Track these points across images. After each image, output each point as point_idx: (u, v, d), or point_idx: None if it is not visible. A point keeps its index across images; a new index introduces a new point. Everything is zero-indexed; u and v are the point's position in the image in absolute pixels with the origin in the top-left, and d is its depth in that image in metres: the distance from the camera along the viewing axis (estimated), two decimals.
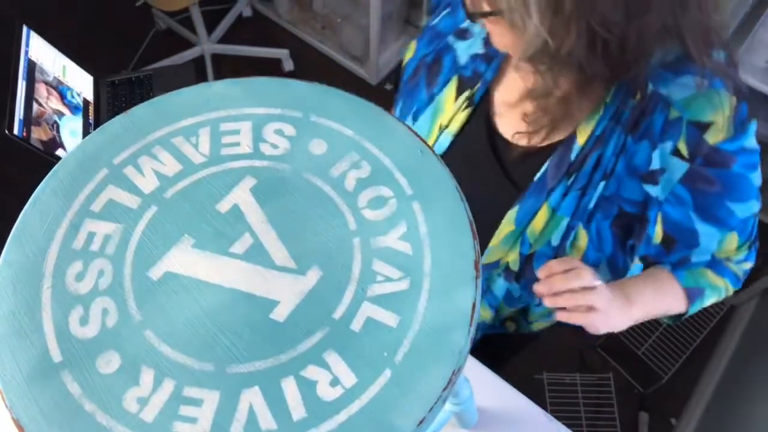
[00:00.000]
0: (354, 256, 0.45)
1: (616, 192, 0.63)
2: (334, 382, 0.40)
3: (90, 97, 1.50)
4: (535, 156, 0.66)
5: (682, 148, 0.60)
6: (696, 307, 0.72)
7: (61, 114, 1.34)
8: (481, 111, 0.69)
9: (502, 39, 0.59)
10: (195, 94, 0.55)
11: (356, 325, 0.42)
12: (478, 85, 0.68)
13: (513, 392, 0.90)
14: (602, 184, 0.62)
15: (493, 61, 0.68)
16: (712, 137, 0.59)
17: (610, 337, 1.72)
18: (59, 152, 1.27)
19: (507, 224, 0.67)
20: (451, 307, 0.42)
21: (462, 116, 0.69)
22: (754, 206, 0.65)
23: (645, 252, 0.68)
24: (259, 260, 0.45)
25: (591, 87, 0.61)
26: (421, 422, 0.38)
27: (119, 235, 0.47)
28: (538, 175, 0.65)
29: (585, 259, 0.67)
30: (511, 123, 0.68)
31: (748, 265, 0.74)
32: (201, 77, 2.09)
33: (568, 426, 0.87)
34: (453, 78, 0.71)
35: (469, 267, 0.44)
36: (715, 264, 0.71)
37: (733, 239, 0.67)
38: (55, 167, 0.50)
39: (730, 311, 1.80)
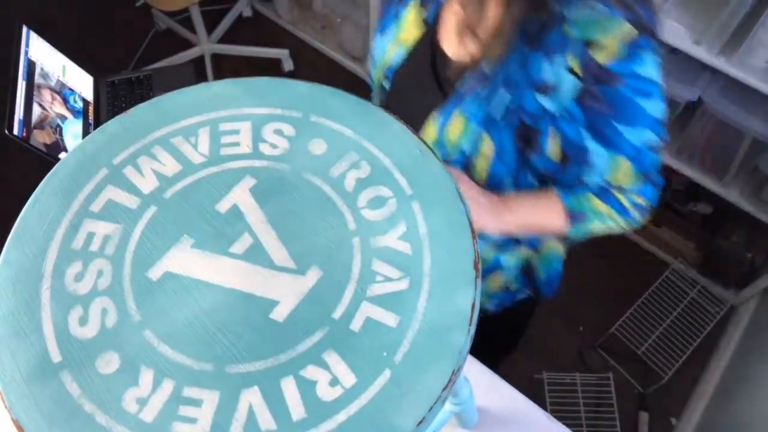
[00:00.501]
0: (353, 255, 0.45)
1: (518, 103, 0.68)
2: (334, 382, 0.40)
3: (90, 98, 1.50)
4: (462, 71, 0.72)
5: (575, 65, 0.65)
6: (579, 230, 0.77)
7: (64, 118, 1.34)
8: (431, 31, 0.75)
9: None
10: (194, 94, 0.55)
11: (356, 324, 0.42)
12: (431, 5, 0.75)
13: (513, 392, 0.90)
14: (507, 95, 0.68)
15: None
16: (602, 57, 0.64)
17: (611, 337, 1.72)
18: (62, 155, 1.27)
19: (431, 130, 0.74)
20: (451, 307, 0.42)
21: (415, 34, 0.76)
22: (648, 136, 0.68)
23: (541, 165, 0.72)
24: (259, 260, 0.45)
25: (510, 7, 0.66)
26: (420, 422, 0.38)
27: (119, 235, 0.47)
28: (459, 85, 0.72)
29: (491, 173, 0.73)
30: (451, 42, 0.74)
31: (642, 200, 0.75)
32: (201, 77, 2.09)
33: (568, 426, 0.87)
34: None
35: (468, 267, 0.44)
36: (603, 191, 0.75)
37: (624, 165, 0.71)
38: (55, 167, 0.50)
39: (730, 311, 1.80)
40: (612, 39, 0.63)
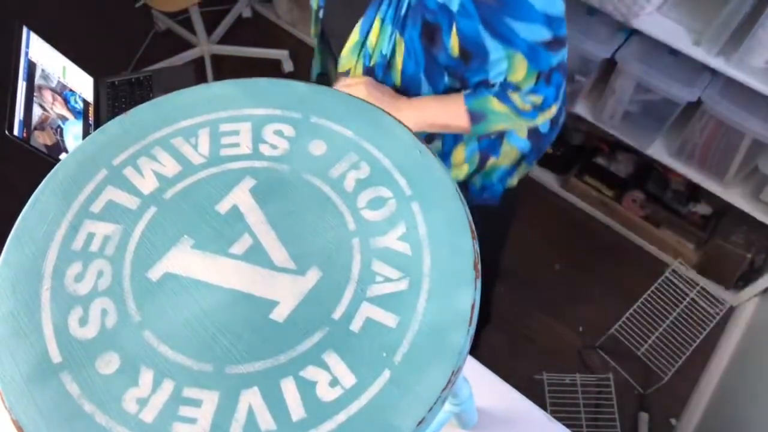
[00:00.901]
0: (353, 256, 0.45)
1: (418, 2, 0.72)
2: (334, 382, 0.40)
3: (90, 98, 1.50)
4: None
5: None
6: (481, 128, 0.84)
7: (65, 119, 1.34)
8: None
9: None
10: (194, 95, 0.55)
11: (355, 325, 0.42)
12: None
13: (513, 392, 0.90)
14: None
15: None
16: None
17: (611, 337, 1.72)
18: (63, 156, 1.27)
19: (354, 35, 0.80)
20: (450, 308, 0.42)
21: None
22: (541, 33, 0.72)
23: (446, 63, 0.76)
24: (259, 261, 0.45)
25: None
26: (420, 422, 0.38)
27: (118, 235, 0.47)
28: None
29: (404, 71, 0.78)
30: None
31: (538, 99, 0.80)
32: (201, 78, 2.09)
33: (568, 426, 0.87)
34: None
35: (468, 267, 0.44)
36: (501, 94, 0.80)
37: (521, 63, 0.74)
38: (55, 168, 0.50)
39: (729, 312, 1.80)
40: None
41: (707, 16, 1.38)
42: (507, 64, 0.75)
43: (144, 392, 0.40)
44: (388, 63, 0.79)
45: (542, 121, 0.85)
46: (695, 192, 1.84)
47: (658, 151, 1.69)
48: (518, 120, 0.82)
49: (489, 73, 0.77)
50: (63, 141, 1.30)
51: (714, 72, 1.44)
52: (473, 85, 0.81)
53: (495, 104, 0.81)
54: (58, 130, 1.31)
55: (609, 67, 1.62)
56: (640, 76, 1.53)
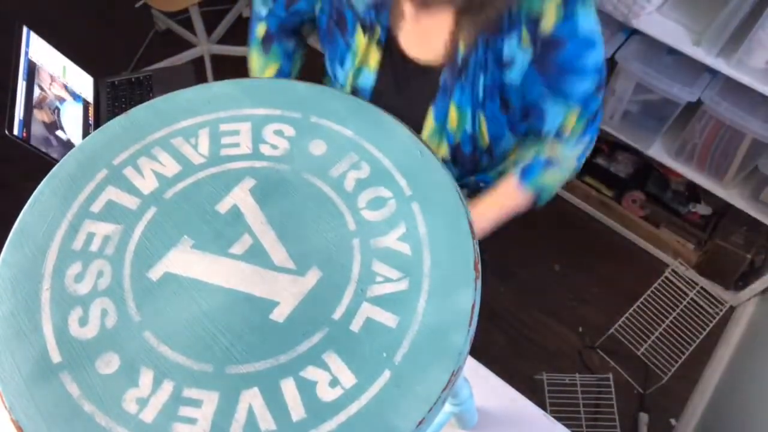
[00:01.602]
0: (353, 256, 0.45)
1: (492, 81, 0.79)
2: (334, 382, 0.40)
3: (90, 98, 1.50)
4: (435, 68, 0.83)
5: (525, 37, 0.74)
6: (545, 199, 0.90)
7: (62, 99, 1.35)
8: (390, 45, 0.85)
9: None
10: (194, 95, 0.55)
11: (355, 325, 0.42)
12: (378, 28, 0.83)
13: (513, 393, 0.90)
14: (482, 77, 0.79)
15: (382, 8, 0.82)
16: (545, 25, 0.72)
17: (610, 337, 1.72)
18: (59, 133, 1.28)
19: (429, 123, 0.85)
20: (451, 308, 0.42)
21: (376, 54, 0.85)
22: (595, 80, 0.78)
23: (516, 121, 0.85)
24: (259, 261, 0.45)
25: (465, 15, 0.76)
26: (420, 423, 0.38)
27: (118, 235, 0.47)
28: (441, 82, 0.82)
29: (491, 134, 0.85)
30: (419, 49, 0.84)
31: (584, 142, 0.86)
32: (200, 78, 2.09)
33: (568, 426, 0.87)
34: (357, 26, 0.84)
35: (468, 268, 0.44)
36: (549, 163, 0.87)
37: (574, 113, 0.81)
38: (55, 168, 0.50)
39: (729, 312, 1.80)
40: (549, 5, 0.72)
41: (707, 17, 1.38)
42: (562, 115, 0.81)
43: (144, 392, 0.40)
44: (472, 136, 0.85)
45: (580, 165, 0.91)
46: (695, 192, 1.84)
47: (658, 151, 1.69)
48: (571, 173, 0.89)
49: (544, 124, 0.82)
50: (60, 120, 1.31)
51: (714, 72, 1.44)
52: (532, 131, 0.86)
53: (548, 177, 0.87)
54: (56, 111, 1.32)
55: (609, 67, 1.62)
56: (640, 76, 1.53)
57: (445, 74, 0.81)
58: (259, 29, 0.95)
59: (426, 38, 0.81)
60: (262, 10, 0.94)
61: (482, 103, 0.81)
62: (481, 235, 0.86)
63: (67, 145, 1.30)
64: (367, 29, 0.84)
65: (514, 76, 0.78)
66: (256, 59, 0.98)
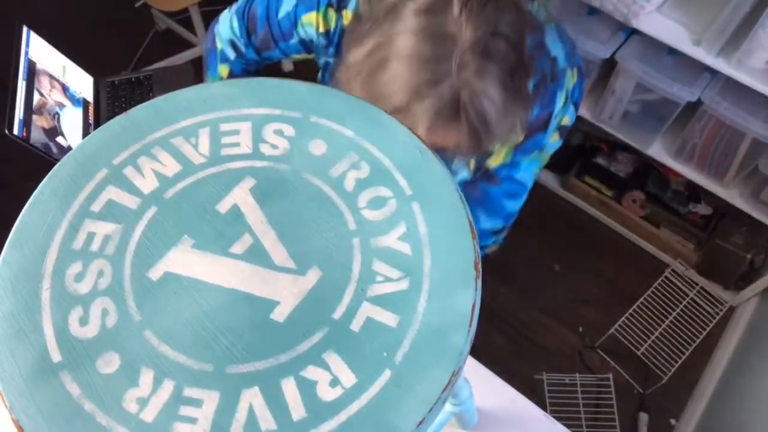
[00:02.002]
0: (354, 256, 0.45)
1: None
2: (334, 382, 0.40)
3: (90, 98, 1.50)
4: None
5: (472, 164, 0.81)
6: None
7: (62, 105, 1.35)
8: None
9: None
10: (194, 95, 0.55)
11: (356, 325, 0.42)
12: None
13: (513, 393, 0.90)
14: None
15: None
16: (492, 161, 0.79)
17: (610, 337, 1.72)
18: (59, 139, 1.28)
19: None
20: (451, 308, 0.42)
21: None
22: (498, 224, 0.85)
23: None
24: (259, 260, 0.45)
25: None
26: (420, 423, 0.38)
27: (119, 235, 0.47)
28: None
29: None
30: None
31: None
32: (200, 78, 2.09)
33: (568, 426, 0.87)
34: None
35: (469, 267, 0.44)
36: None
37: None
38: (55, 168, 0.50)
39: (729, 312, 1.80)
40: (502, 148, 0.76)
41: (707, 16, 1.38)
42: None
43: (144, 392, 0.40)
44: None
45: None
46: (695, 192, 1.84)
47: (658, 151, 1.69)
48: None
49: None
50: (60, 126, 1.31)
51: (714, 72, 1.44)
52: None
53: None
54: (56, 116, 1.32)
55: (609, 66, 1.62)
56: (640, 76, 1.53)
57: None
58: (222, 70, 0.94)
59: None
60: (229, 54, 0.92)
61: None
62: None
63: (68, 152, 1.30)
64: None
65: None
66: None
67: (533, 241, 1.88)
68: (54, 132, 1.28)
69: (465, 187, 0.83)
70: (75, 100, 1.40)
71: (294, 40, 0.84)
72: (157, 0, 1.98)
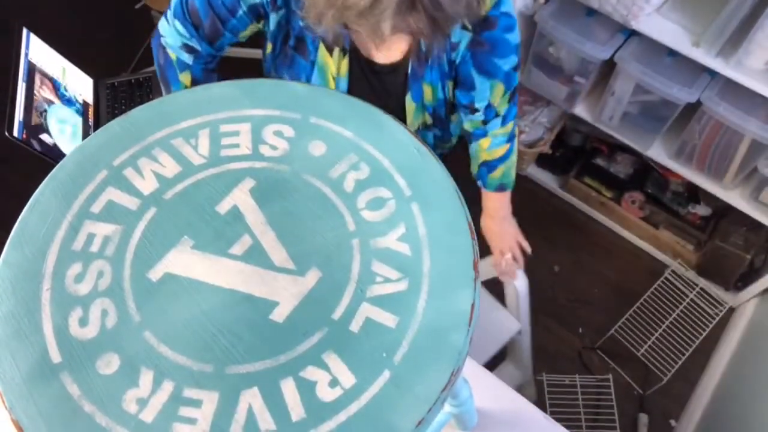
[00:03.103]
0: (353, 256, 0.45)
1: (449, 59, 0.92)
2: (333, 382, 0.40)
3: (90, 99, 1.50)
4: (401, 64, 0.94)
5: (466, 21, 0.85)
6: (510, 185, 1.14)
7: (51, 102, 1.34)
8: (354, 53, 0.93)
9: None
10: (194, 96, 0.55)
11: (355, 325, 0.42)
12: (341, 38, 0.90)
13: (512, 393, 0.90)
14: (444, 54, 0.92)
15: (343, 32, 0.89)
16: (483, 9, 0.84)
17: (610, 338, 1.73)
18: (43, 137, 1.28)
19: (409, 106, 0.98)
20: (450, 308, 0.42)
21: (345, 63, 0.92)
22: (513, 60, 0.93)
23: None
24: (259, 261, 0.45)
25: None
26: (420, 423, 0.38)
27: (119, 236, 0.47)
28: (409, 71, 0.94)
29: (457, 99, 1.00)
30: (378, 55, 0.94)
31: (510, 125, 1.04)
32: None
33: (568, 428, 0.87)
34: (319, 43, 0.91)
35: (467, 268, 0.44)
36: (489, 166, 1.09)
37: (499, 88, 0.96)
38: (55, 169, 0.50)
39: (729, 313, 1.80)
40: None
41: (706, 18, 1.38)
42: (489, 91, 0.96)
43: (144, 392, 0.40)
44: (446, 99, 0.99)
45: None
46: (695, 193, 1.84)
47: (657, 152, 1.69)
48: (511, 159, 1.10)
49: (474, 100, 0.97)
50: (46, 123, 1.31)
51: (713, 73, 1.44)
52: (461, 106, 1.01)
53: (496, 175, 1.10)
54: (43, 113, 1.32)
55: (608, 68, 1.62)
56: (640, 77, 1.53)
57: (413, 64, 0.93)
58: (183, 78, 0.95)
59: (386, 47, 0.92)
60: (185, 58, 0.93)
61: (449, 74, 0.95)
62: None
63: (51, 149, 1.29)
64: (330, 45, 0.91)
65: (457, 56, 0.92)
66: None
67: (533, 242, 1.88)
68: (39, 129, 1.28)
69: (472, 47, 0.89)
70: (65, 99, 1.40)
71: (241, 11, 0.87)
72: (157, 1, 1.98)
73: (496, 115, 1.02)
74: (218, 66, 1.00)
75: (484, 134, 1.05)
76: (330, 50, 0.91)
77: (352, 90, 0.97)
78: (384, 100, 0.96)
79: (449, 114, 1.05)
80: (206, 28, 0.89)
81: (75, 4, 2.48)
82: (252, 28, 0.91)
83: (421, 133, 1.09)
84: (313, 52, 0.92)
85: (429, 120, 1.04)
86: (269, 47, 0.95)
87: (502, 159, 1.09)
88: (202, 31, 0.89)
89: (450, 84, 0.97)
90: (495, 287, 1.36)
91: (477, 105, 0.99)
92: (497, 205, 1.16)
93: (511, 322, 1.35)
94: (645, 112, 1.65)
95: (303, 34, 0.91)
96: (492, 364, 1.49)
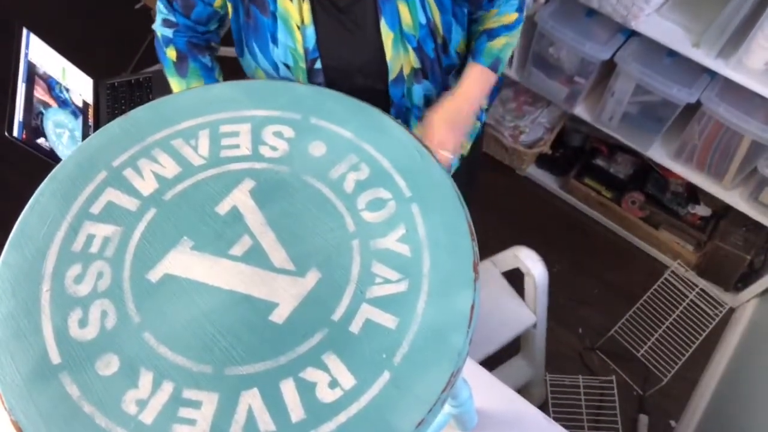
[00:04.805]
0: (353, 257, 0.45)
1: None
2: (333, 383, 0.40)
3: (90, 100, 1.50)
4: None
5: None
6: (502, 67, 0.96)
7: (47, 105, 1.34)
8: None
9: None
10: (194, 97, 0.55)
11: (355, 326, 0.42)
12: None
13: (512, 394, 0.90)
14: None
15: None
16: None
17: (610, 339, 1.73)
18: (41, 141, 1.28)
19: (387, 35, 0.86)
20: (450, 309, 0.42)
21: (306, 7, 0.84)
22: None
23: None
24: (258, 262, 0.45)
25: None
26: (419, 423, 0.38)
27: (118, 237, 0.47)
28: None
29: (443, 25, 0.90)
30: None
31: (515, 3, 0.93)
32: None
33: (569, 428, 0.87)
34: None
35: (467, 269, 0.44)
36: (491, 33, 0.94)
37: None
38: (55, 169, 0.50)
39: (729, 313, 1.80)
40: None
41: (706, 18, 1.38)
42: None
43: (144, 393, 0.40)
44: (430, 27, 0.88)
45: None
46: (694, 193, 1.84)
47: (657, 152, 1.69)
48: (515, 34, 0.95)
49: None
50: (43, 127, 1.30)
51: (713, 74, 1.44)
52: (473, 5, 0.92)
53: (496, 44, 0.93)
54: (39, 116, 1.31)
55: (608, 68, 1.62)
56: (640, 78, 1.53)
57: None
58: (170, 53, 0.94)
59: None
60: (167, 32, 0.92)
61: None
62: (475, 114, 0.96)
63: (49, 155, 1.28)
64: None
65: None
66: (176, 86, 0.96)
67: (532, 242, 1.88)
68: (36, 132, 1.27)
69: None
70: (61, 101, 1.39)
71: None
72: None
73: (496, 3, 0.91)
74: (209, 47, 0.98)
75: (491, 7, 0.93)
76: None
77: (322, 37, 0.88)
78: (359, 40, 0.86)
79: (438, 57, 0.92)
80: (179, 0, 0.88)
81: (75, 5, 2.48)
82: None
83: (410, 88, 0.95)
84: (272, 2, 0.85)
85: (415, 62, 0.90)
86: (230, 11, 0.89)
87: (509, 28, 0.95)
88: (176, 4, 0.89)
89: (431, 3, 0.86)
90: (515, 279, 1.35)
91: (484, 2, 0.89)
92: (465, 106, 0.93)
93: (527, 314, 1.33)
94: (645, 113, 1.65)
95: None
96: (504, 358, 1.49)
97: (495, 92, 1.07)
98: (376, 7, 0.84)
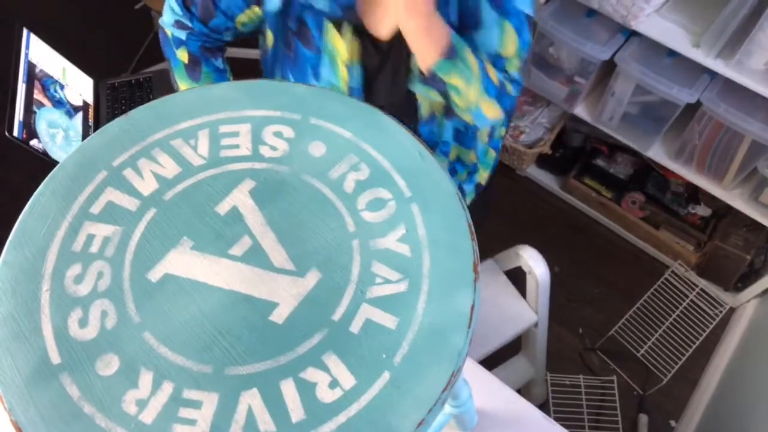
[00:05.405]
0: (353, 257, 0.45)
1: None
2: (333, 384, 0.40)
3: (90, 100, 1.50)
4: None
5: None
6: (445, 67, 0.82)
7: (40, 104, 1.34)
8: (363, 31, 0.82)
9: None
10: (194, 97, 0.55)
11: (355, 326, 0.42)
12: (351, 15, 0.80)
13: (512, 394, 0.90)
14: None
15: None
16: None
17: (610, 339, 1.73)
18: (33, 142, 1.27)
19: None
20: (450, 309, 0.42)
21: (356, 45, 0.82)
22: (529, 6, 0.80)
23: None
24: (258, 262, 0.45)
25: None
26: (420, 424, 0.38)
27: (118, 237, 0.47)
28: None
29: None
30: (386, 23, 0.82)
31: (509, 86, 0.86)
32: None
33: (570, 428, 0.87)
34: (326, 25, 0.81)
35: (467, 268, 0.44)
36: (479, 58, 0.83)
37: (511, 35, 0.81)
38: (55, 169, 0.50)
39: (729, 313, 1.80)
40: None
41: (706, 18, 1.38)
42: (498, 35, 0.81)
43: (144, 394, 0.40)
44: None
45: (512, 98, 0.89)
46: (694, 194, 1.84)
47: (657, 152, 1.69)
48: (478, 86, 0.83)
49: (477, 43, 0.82)
50: (35, 126, 1.30)
51: (713, 74, 1.44)
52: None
53: (469, 55, 0.82)
54: (32, 115, 1.31)
55: (608, 68, 1.63)
56: (640, 78, 1.53)
57: None
58: (181, 55, 0.92)
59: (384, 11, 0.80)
60: (179, 34, 0.90)
61: (453, 19, 0.82)
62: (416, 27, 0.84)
63: (42, 155, 1.27)
64: (338, 20, 0.80)
65: None
66: (186, 88, 0.94)
67: (533, 242, 1.88)
68: (34, 132, 1.27)
69: None
70: (55, 101, 1.39)
71: None
72: (157, 2, 1.98)
73: (501, 68, 0.84)
74: (221, 49, 0.95)
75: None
76: (340, 30, 0.81)
77: (367, 76, 0.86)
78: (395, 82, 0.85)
79: None
80: (199, 6, 0.85)
81: (75, 5, 2.48)
82: (250, 15, 0.85)
83: (441, 125, 0.92)
84: (318, 37, 0.82)
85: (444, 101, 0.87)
86: (270, 38, 0.87)
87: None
88: (194, 9, 0.86)
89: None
90: (517, 278, 1.35)
91: (480, 50, 0.83)
92: None
93: (529, 313, 1.34)
94: (645, 113, 1.65)
95: (304, 15, 0.81)
96: (504, 357, 1.49)
97: (506, 121, 1.05)
98: (409, 52, 0.82)
